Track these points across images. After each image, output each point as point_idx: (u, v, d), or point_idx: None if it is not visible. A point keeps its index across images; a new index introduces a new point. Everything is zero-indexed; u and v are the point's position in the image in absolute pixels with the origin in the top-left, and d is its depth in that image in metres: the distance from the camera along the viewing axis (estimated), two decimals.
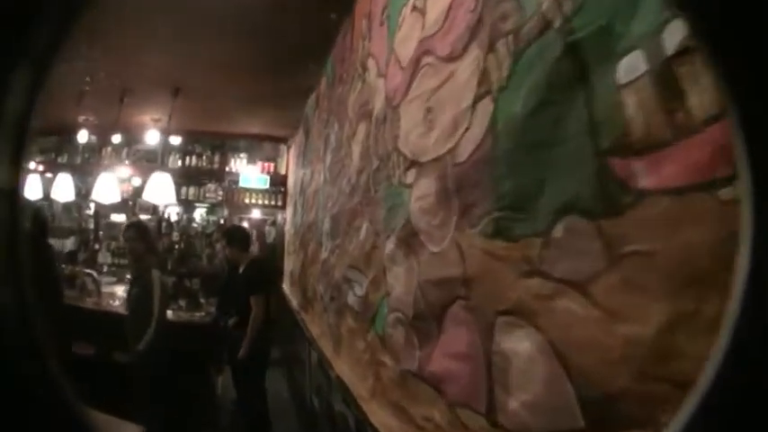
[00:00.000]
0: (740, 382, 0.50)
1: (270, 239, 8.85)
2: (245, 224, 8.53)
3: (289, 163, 8.54)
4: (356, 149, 3.27)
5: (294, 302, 5.91)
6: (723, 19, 0.49)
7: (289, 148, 8.56)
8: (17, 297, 0.50)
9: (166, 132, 7.80)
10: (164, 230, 8.68)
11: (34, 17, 0.48)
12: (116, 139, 8.17)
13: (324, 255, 4.10)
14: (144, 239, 4.65)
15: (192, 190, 8.78)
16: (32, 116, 0.50)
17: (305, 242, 5.43)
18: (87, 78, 5.84)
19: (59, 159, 8.68)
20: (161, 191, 6.26)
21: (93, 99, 6.55)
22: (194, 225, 9.04)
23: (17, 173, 0.49)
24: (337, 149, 3.93)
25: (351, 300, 3.06)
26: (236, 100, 6.64)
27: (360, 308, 2.86)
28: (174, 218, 8.91)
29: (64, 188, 7.13)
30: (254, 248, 7.27)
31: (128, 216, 8.43)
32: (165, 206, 8.52)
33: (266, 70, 5.31)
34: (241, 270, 5.10)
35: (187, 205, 8.88)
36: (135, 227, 4.87)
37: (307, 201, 5.63)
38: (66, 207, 8.80)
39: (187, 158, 8.82)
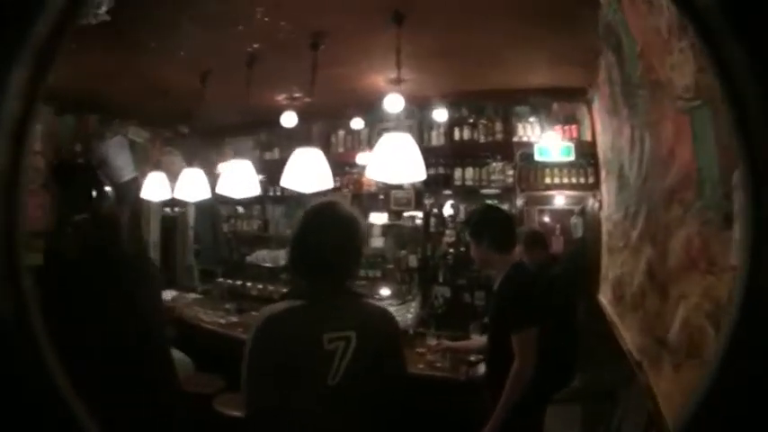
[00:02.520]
0: (742, 380, 0.52)
1: (578, 233, 6.05)
2: (545, 217, 6.18)
3: (595, 123, 5.71)
4: None
5: (626, 334, 3.39)
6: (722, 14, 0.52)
7: (589, 103, 5.74)
8: (16, 299, 0.54)
9: (417, 99, 5.62)
10: (433, 228, 6.53)
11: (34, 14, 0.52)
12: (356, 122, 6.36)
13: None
14: None
15: (469, 172, 6.37)
16: (32, 117, 0.56)
17: (651, 231, 2.89)
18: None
19: (267, 155, 7.20)
20: (412, 173, 4.05)
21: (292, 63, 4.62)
22: None
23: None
24: None
25: None
26: (501, 35, 4.29)
27: None
28: (448, 211, 6.53)
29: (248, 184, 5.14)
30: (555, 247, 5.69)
31: (388, 214, 6.73)
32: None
33: None
34: (497, 286, 3.34)
35: (466, 193, 6.43)
36: None
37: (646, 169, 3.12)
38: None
39: (456, 131, 6.38)
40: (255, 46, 4.57)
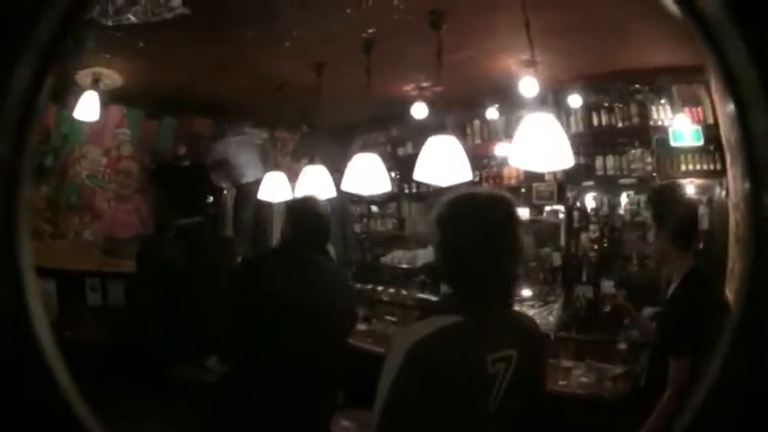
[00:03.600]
0: (744, 377, 0.53)
1: (706, 226, 5.33)
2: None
3: (715, 105, 5.20)
4: None
5: None
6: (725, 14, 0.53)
7: (707, 83, 5.20)
8: (15, 299, 0.55)
9: (548, 83, 4.99)
10: (577, 223, 6.00)
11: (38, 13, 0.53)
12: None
13: None
14: None
15: (609, 161, 5.83)
16: (33, 116, 0.56)
17: None
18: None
19: (400, 150, 6.85)
20: (559, 158, 3.72)
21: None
22: (620, 212, 5.95)
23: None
24: None
25: None
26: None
27: None
28: (591, 204, 5.97)
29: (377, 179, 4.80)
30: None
31: (530, 209, 6.21)
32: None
33: None
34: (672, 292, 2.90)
35: (608, 183, 5.88)
36: None
37: None
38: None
39: (594, 116, 5.85)
40: (371, 31, 4.23)
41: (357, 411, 4.03)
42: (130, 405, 4.87)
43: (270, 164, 6.61)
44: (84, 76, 5.42)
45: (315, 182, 5.15)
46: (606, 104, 5.82)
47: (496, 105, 6.05)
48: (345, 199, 6.84)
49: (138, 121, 6.75)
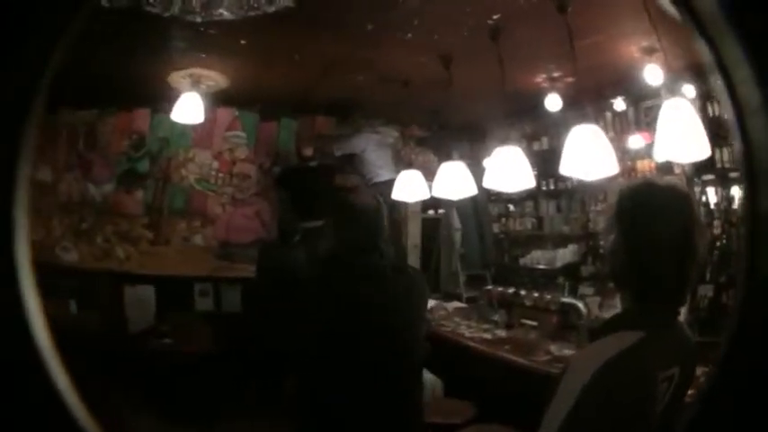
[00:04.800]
0: (744, 379, 0.54)
1: None
2: None
3: None
4: None
5: None
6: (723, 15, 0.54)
7: None
8: (14, 299, 0.56)
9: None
10: (703, 218, 5.44)
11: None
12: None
13: None
14: None
15: (725, 153, 5.36)
16: (31, 116, 0.57)
17: None
18: None
19: (535, 145, 6.49)
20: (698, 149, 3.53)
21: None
22: (734, 207, 5.48)
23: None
24: None
25: None
26: None
27: None
28: (712, 199, 5.49)
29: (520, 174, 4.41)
30: None
31: None
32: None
33: None
34: None
35: (722, 178, 5.42)
36: None
37: None
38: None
39: (708, 106, 5.36)
40: (495, 17, 3.90)
41: (489, 426, 3.77)
42: (236, 413, 4.89)
43: (403, 162, 6.46)
44: (178, 77, 5.36)
45: (453, 179, 4.88)
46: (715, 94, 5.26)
47: (623, 96, 5.68)
48: (484, 197, 6.59)
49: (254, 123, 6.72)
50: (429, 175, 5.35)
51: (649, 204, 1.55)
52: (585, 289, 5.23)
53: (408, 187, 5.47)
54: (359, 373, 2.41)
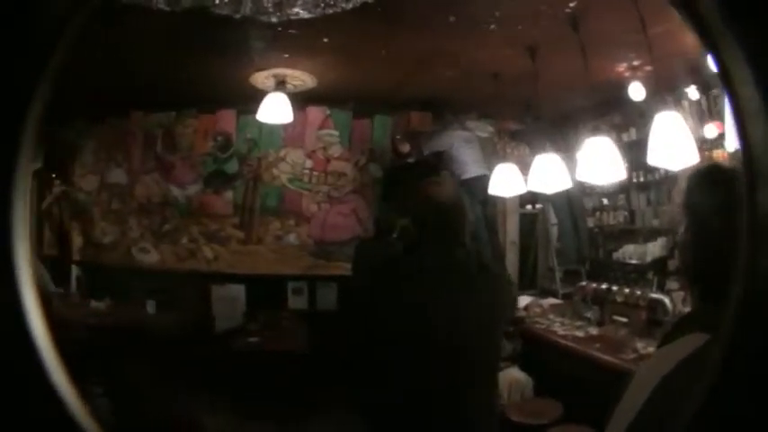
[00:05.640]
0: (743, 380, 0.54)
1: None
2: None
3: None
4: None
5: None
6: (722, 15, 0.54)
7: None
8: (12, 298, 0.56)
9: None
10: None
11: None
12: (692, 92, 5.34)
13: None
14: None
15: None
16: (29, 116, 0.57)
17: None
18: None
19: (624, 136, 6.18)
20: None
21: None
22: None
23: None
24: None
25: None
26: None
27: None
28: None
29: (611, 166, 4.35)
30: None
31: None
32: None
33: None
34: None
35: None
36: None
37: None
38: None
39: None
40: (572, 5, 3.82)
41: (577, 427, 3.71)
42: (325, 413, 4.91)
43: (497, 157, 6.40)
44: (262, 78, 5.37)
45: (549, 172, 4.87)
46: None
47: (696, 85, 5.42)
48: (579, 191, 6.46)
49: (347, 121, 6.72)
50: (524, 169, 5.34)
51: (721, 192, 1.32)
52: (672, 284, 5.03)
53: (504, 181, 5.46)
54: (435, 372, 2.37)
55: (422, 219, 2.71)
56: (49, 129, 6.73)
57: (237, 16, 3.44)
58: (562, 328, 5.18)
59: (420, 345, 2.39)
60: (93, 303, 6.07)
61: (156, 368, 4.67)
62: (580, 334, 4.98)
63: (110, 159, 6.97)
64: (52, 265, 6.46)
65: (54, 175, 6.86)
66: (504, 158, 6.19)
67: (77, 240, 7.03)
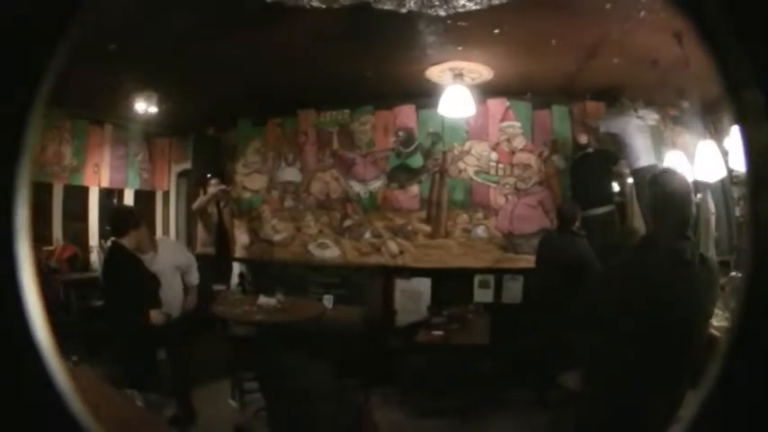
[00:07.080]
0: (744, 376, 0.54)
1: None
2: None
3: None
4: None
5: None
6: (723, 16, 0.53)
7: None
8: (14, 299, 0.56)
9: None
10: None
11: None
12: None
13: None
14: None
15: None
16: (30, 119, 0.57)
17: None
18: None
19: None
20: None
21: None
22: None
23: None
24: None
25: None
26: None
27: None
28: None
29: None
30: None
31: None
32: None
33: None
34: None
35: None
36: None
37: None
38: None
39: None
40: None
41: None
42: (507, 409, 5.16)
43: (666, 145, 6.33)
44: (437, 72, 5.40)
45: (709, 160, 4.92)
46: None
47: None
48: (728, 179, 6.32)
49: (527, 112, 6.63)
50: (687, 157, 5.37)
51: None
52: None
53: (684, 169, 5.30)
54: (639, 364, 2.43)
55: (655, 209, 2.78)
56: (201, 130, 7.26)
57: (403, 11, 3.51)
58: (715, 320, 5.20)
59: (638, 336, 2.45)
60: (262, 299, 5.99)
61: (332, 363, 4.74)
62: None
63: (279, 158, 7.16)
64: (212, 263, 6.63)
65: (209, 175, 6.94)
66: (673, 146, 6.13)
67: (242, 238, 7.18)
